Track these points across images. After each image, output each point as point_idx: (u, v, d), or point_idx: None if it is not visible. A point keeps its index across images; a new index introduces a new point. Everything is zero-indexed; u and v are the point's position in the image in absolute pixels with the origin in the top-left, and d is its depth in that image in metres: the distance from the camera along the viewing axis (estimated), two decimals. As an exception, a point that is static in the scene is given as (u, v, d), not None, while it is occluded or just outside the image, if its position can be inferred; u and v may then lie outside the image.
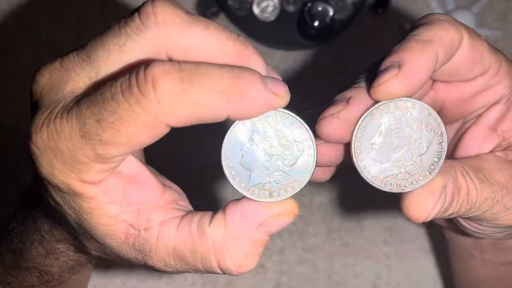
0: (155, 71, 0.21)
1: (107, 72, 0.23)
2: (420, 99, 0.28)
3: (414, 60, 0.25)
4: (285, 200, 0.25)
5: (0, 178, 0.55)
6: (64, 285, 0.37)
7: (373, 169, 0.26)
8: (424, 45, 0.25)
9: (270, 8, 0.55)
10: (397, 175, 0.26)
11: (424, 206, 0.26)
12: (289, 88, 0.24)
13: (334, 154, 0.29)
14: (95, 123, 0.22)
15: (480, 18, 0.56)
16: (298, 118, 0.25)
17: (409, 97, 0.25)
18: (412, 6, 0.57)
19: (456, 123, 0.32)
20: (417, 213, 0.26)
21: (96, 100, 0.22)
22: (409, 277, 0.53)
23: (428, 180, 0.26)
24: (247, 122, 0.24)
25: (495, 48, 0.29)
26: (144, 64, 0.21)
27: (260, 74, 0.23)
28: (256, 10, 0.54)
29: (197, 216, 0.25)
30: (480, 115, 0.30)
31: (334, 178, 0.55)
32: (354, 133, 0.26)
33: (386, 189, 0.26)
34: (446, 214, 0.27)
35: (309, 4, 0.52)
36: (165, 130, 0.22)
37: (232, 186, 0.25)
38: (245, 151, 0.25)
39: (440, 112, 0.31)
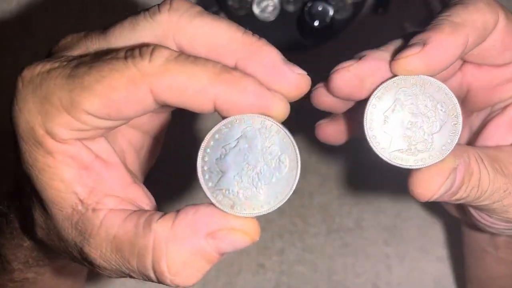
0: (160, 47, 0.22)
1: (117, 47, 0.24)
2: (447, 79, 0.28)
3: (440, 41, 0.24)
4: (246, 218, 0.22)
5: (1, 178, 0.55)
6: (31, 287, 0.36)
7: (383, 141, 0.25)
8: (456, 28, 0.24)
9: (270, 8, 0.55)
10: (406, 150, 0.26)
11: (430, 185, 0.25)
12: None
13: (337, 135, 0.29)
14: (87, 68, 0.22)
15: (480, 18, 0.56)
16: (281, 126, 0.23)
17: (431, 76, 0.25)
18: (413, 6, 0.57)
19: (483, 112, 0.31)
20: (422, 191, 0.25)
21: (98, 53, 0.23)
22: (409, 277, 0.53)
23: (438, 160, 0.25)
24: (237, 124, 0.23)
25: None
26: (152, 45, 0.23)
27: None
28: (256, 10, 0.54)
29: (150, 212, 0.23)
30: (506, 106, 0.29)
31: (334, 178, 0.55)
32: (369, 101, 0.25)
33: (394, 163, 0.26)
34: (454, 198, 0.27)
35: (309, 4, 0.52)
36: (146, 101, 0.22)
37: (199, 183, 0.23)
38: (226, 150, 0.23)
39: (466, 96, 0.30)
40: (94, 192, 0.24)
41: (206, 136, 0.23)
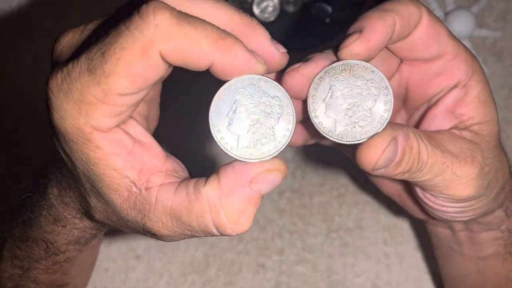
0: (157, 3, 0.23)
1: None
2: (389, 78, 0.32)
3: (372, 25, 0.28)
4: (274, 158, 0.27)
5: (0, 177, 0.55)
6: (69, 265, 0.38)
7: (329, 124, 0.29)
8: (383, 13, 0.28)
9: (270, 9, 0.55)
10: (351, 129, 0.28)
11: (373, 151, 0.28)
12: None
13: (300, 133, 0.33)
14: (100, 56, 0.23)
15: (480, 18, 0.57)
16: (273, 80, 0.27)
17: (366, 61, 0.29)
18: (412, 6, 0.57)
19: (421, 109, 0.34)
20: (366, 158, 0.28)
21: (102, 38, 0.24)
22: (409, 277, 0.53)
23: (380, 130, 0.28)
24: (230, 88, 0.26)
25: (456, 38, 0.31)
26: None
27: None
28: (256, 10, 0.54)
29: (194, 180, 0.27)
30: (440, 98, 0.33)
31: (334, 178, 0.55)
32: (308, 94, 0.29)
33: (343, 141, 0.29)
34: (398, 171, 0.30)
35: (309, 4, 0.52)
36: (159, 62, 0.24)
37: (222, 151, 0.26)
38: (230, 117, 0.27)
39: (406, 95, 0.34)
40: (143, 172, 0.26)
41: (210, 114, 0.26)
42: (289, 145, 0.28)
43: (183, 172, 0.28)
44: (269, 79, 0.27)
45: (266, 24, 0.55)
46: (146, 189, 0.26)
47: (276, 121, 0.27)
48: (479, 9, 0.57)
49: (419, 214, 0.39)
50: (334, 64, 0.28)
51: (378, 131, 0.28)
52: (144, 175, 0.26)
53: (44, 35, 0.56)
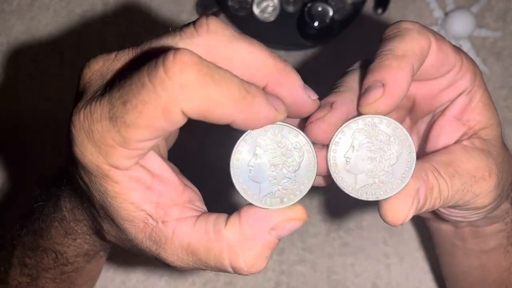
0: (185, 57, 0.23)
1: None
2: None
3: (394, 79, 0.27)
4: (295, 205, 0.27)
5: (2, 178, 0.55)
6: (77, 275, 0.38)
7: (349, 180, 0.28)
8: (401, 61, 0.28)
9: (270, 9, 0.55)
10: (371, 184, 0.28)
11: (400, 211, 0.28)
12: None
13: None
14: (121, 105, 0.23)
15: (480, 18, 0.57)
16: (294, 127, 0.27)
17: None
18: (412, 6, 0.57)
19: (427, 117, 0.34)
20: (394, 218, 0.28)
21: (125, 83, 0.23)
22: (409, 277, 0.53)
23: (401, 188, 0.28)
24: (249, 139, 0.26)
25: (456, 47, 0.31)
26: (173, 49, 0.23)
27: (264, 91, 0.25)
28: (256, 10, 0.54)
29: (213, 217, 0.27)
30: (446, 108, 0.33)
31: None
32: (329, 149, 0.28)
33: (363, 198, 0.28)
34: (422, 211, 0.30)
35: (309, 4, 0.52)
36: (180, 118, 0.24)
37: (245, 199, 0.27)
38: (251, 166, 0.27)
39: (412, 107, 0.34)
40: (160, 206, 0.27)
41: (230, 165, 0.27)
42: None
43: (199, 202, 0.29)
44: (290, 126, 0.27)
45: (266, 24, 0.55)
46: (163, 222, 0.26)
47: (297, 168, 0.27)
48: (479, 9, 0.57)
49: (423, 213, 0.39)
50: (357, 118, 0.28)
51: (401, 188, 0.28)
52: (161, 208, 0.27)
53: (45, 35, 0.56)
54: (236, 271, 0.27)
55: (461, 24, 0.55)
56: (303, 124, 0.29)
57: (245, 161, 0.27)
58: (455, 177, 0.30)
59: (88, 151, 0.25)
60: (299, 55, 0.56)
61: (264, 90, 0.26)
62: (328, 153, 0.28)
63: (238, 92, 0.24)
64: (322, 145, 0.29)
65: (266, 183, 0.27)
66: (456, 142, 0.33)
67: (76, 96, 0.27)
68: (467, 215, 0.35)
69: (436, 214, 0.37)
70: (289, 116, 0.27)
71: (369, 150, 0.28)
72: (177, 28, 0.26)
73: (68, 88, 0.56)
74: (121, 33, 0.56)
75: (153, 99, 0.23)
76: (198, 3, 0.56)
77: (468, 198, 0.31)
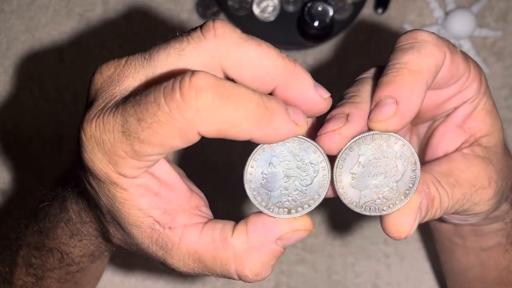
0: (201, 81, 0.23)
1: (163, 73, 0.25)
2: None
3: (409, 98, 0.27)
4: (302, 217, 0.27)
5: (1, 178, 0.55)
6: (81, 275, 0.39)
7: (354, 195, 0.28)
8: (416, 78, 0.27)
9: (270, 8, 0.55)
10: (375, 200, 0.28)
11: (403, 226, 0.28)
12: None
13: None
14: (136, 121, 0.23)
15: (480, 18, 0.57)
16: (313, 143, 0.27)
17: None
18: (412, 6, 0.57)
19: (428, 122, 0.35)
20: (398, 233, 0.28)
21: (140, 101, 0.23)
22: (409, 277, 0.53)
23: (404, 203, 0.28)
24: (267, 148, 0.26)
25: (465, 54, 0.30)
26: (190, 71, 0.23)
27: (285, 105, 0.25)
28: (256, 10, 0.54)
29: (220, 224, 0.27)
30: (448, 114, 0.33)
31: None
32: (336, 164, 0.28)
33: (366, 212, 0.28)
34: (423, 221, 0.30)
35: (309, 4, 0.52)
36: (195, 138, 0.24)
37: (254, 205, 0.27)
38: (265, 174, 0.27)
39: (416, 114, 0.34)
40: (167, 212, 0.27)
41: (245, 170, 0.27)
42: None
43: (205, 207, 0.29)
44: (310, 142, 0.27)
45: (266, 24, 0.55)
46: (170, 228, 0.27)
47: (310, 182, 0.27)
48: (479, 9, 0.57)
49: None
50: (365, 135, 0.27)
51: (403, 204, 0.28)
52: (168, 214, 0.27)
53: (45, 35, 0.56)
54: (241, 279, 0.27)
55: (461, 24, 0.55)
56: (313, 131, 0.29)
57: (260, 168, 0.27)
58: (455, 187, 0.30)
59: (98, 159, 0.25)
60: (299, 55, 0.56)
61: (274, 92, 0.26)
62: (335, 169, 0.28)
63: (257, 111, 0.23)
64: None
65: (277, 192, 0.27)
66: (457, 149, 0.32)
67: (87, 102, 0.27)
68: (466, 219, 0.35)
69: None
70: None
71: (375, 166, 0.28)
72: (185, 33, 0.25)
73: (68, 88, 0.56)
74: (121, 33, 0.56)
75: (170, 121, 0.23)
76: (198, 3, 0.56)
77: (467, 206, 0.31)
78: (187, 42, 0.25)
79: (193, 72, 0.23)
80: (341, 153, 0.27)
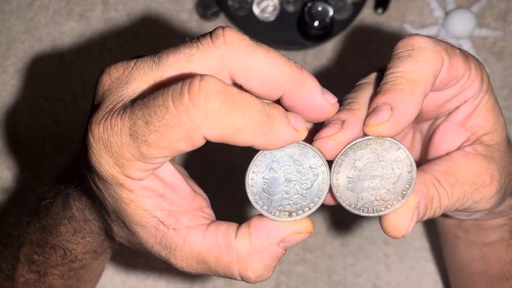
0: (209, 86, 0.23)
1: (171, 77, 0.26)
2: None
3: (405, 105, 0.27)
4: (303, 219, 0.28)
5: (1, 177, 0.55)
6: (84, 271, 0.39)
7: (351, 198, 0.29)
8: (414, 87, 0.27)
9: (270, 8, 0.55)
10: (373, 202, 0.29)
11: (401, 226, 0.29)
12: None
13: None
14: (144, 124, 0.24)
15: (480, 18, 0.57)
16: (313, 147, 0.27)
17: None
18: (412, 6, 0.57)
19: (429, 120, 0.35)
20: (396, 232, 0.29)
21: (148, 103, 0.24)
22: (409, 277, 0.53)
23: (401, 203, 0.29)
24: (267, 153, 0.27)
25: (465, 53, 0.31)
26: (198, 76, 0.23)
27: (285, 112, 0.26)
28: (256, 10, 0.54)
29: (223, 226, 0.28)
30: (450, 113, 0.33)
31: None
32: (332, 169, 0.28)
33: (364, 214, 0.29)
34: (423, 220, 0.30)
35: (309, 4, 0.52)
36: (201, 142, 0.24)
37: (256, 209, 0.28)
38: (266, 178, 0.28)
39: (417, 115, 0.34)
40: (172, 213, 0.27)
41: (246, 176, 0.27)
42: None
43: (208, 208, 0.29)
44: (310, 147, 0.27)
45: (266, 24, 0.55)
46: (174, 229, 0.27)
47: (310, 186, 0.28)
48: (479, 9, 0.57)
49: None
50: (360, 140, 0.28)
51: (400, 205, 0.29)
52: (172, 216, 0.27)
53: (45, 35, 0.56)
54: (244, 280, 0.28)
55: (461, 24, 0.55)
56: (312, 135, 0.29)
57: (261, 174, 0.27)
58: (455, 186, 0.31)
59: (105, 161, 0.25)
60: (299, 55, 0.56)
61: (282, 98, 0.27)
62: (331, 174, 0.28)
63: (259, 118, 0.24)
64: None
65: (278, 196, 0.28)
66: (459, 147, 0.33)
67: (93, 103, 0.27)
68: (469, 215, 0.35)
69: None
70: (309, 121, 0.28)
71: (371, 170, 0.29)
72: (194, 38, 0.26)
73: (68, 88, 0.56)
74: (121, 33, 0.56)
75: (177, 124, 0.23)
76: (198, 3, 0.56)
77: (469, 204, 0.31)
78: (197, 48, 0.25)
79: (202, 76, 0.23)
80: (336, 158, 0.28)
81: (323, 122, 0.29)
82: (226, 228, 0.28)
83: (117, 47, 0.56)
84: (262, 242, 0.27)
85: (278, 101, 0.27)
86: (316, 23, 0.52)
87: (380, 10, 0.56)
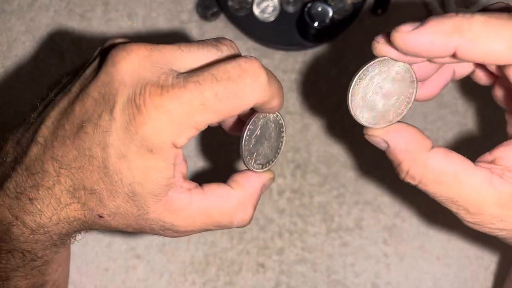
0: (259, 64, 0.29)
1: (201, 61, 0.30)
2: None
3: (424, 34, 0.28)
4: (269, 170, 0.36)
5: None
6: (47, 266, 0.37)
7: (366, 115, 0.32)
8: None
9: (270, 9, 0.55)
10: (382, 117, 0.32)
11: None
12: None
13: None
14: (213, 96, 0.28)
15: (480, 18, 0.57)
16: (276, 117, 0.35)
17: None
18: (412, 6, 0.57)
19: None
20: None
21: (215, 78, 0.28)
22: (409, 277, 0.53)
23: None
24: (257, 121, 0.34)
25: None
26: (248, 56, 0.29)
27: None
28: (256, 10, 0.55)
29: (215, 185, 0.33)
30: None
31: (334, 178, 0.55)
32: (349, 91, 0.31)
33: (379, 126, 0.32)
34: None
35: (309, 5, 0.52)
36: (248, 108, 0.30)
37: (245, 164, 0.34)
38: (254, 139, 0.34)
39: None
40: (182, 178, 0.31)
41: (242, 135, 0.33)
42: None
43: (186, 171, 0.33)
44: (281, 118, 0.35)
45: (266, 24, 0.55)
46: (181, 192, 0.31)
47: (272, 140, 0.35)
48: (478, 9, 0.57)
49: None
50: (382, 60, 0.31)
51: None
52: (181, 180, 0.31)
53: (45, 35, 0.56)
54: (239, 226, 0.33)
55: (461, 24, 0.55)
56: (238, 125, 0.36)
57: (252, 135, 0.34)
58: None
59: (164, 129, 0.28)
60: (299, 55, 0.56)
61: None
62: (348, 96, 0.31)
63: (278, 88, 0.31)
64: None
65: (258, 154, 0.34)
66: None
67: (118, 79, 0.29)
68: None
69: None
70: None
71: (380, 92, 0.31)
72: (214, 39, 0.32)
73: (69, 88, 0.56)
74: (121, 33, 0.56)
75: (242, 95, 0.29)
76: (198, 3, 0.56)
77: None
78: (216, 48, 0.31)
79: (249, 56, 0.29)
80: (353, 81, 0.31)
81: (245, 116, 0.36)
82: (219, 185, 0.33)
83: (117, 47, 0.56)
84: (252, 188, 0.33)
85: None
86: (316, 24, 0.53)
87: (380, 10, 0.56)
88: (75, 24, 0.56)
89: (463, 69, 0.34)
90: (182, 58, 0.30)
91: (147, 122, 0.28)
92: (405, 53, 0.29)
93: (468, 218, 0.30)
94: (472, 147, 0.54)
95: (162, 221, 0.31)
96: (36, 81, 0.56)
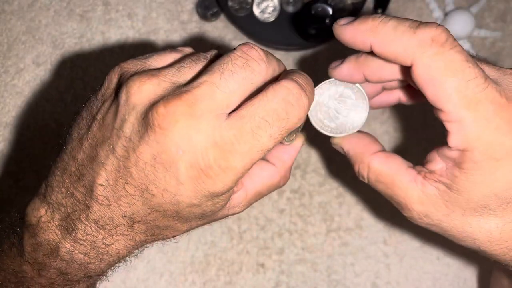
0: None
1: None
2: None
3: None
4: (300, 136, 0.39)
5: (1, 178, 0.55)
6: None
7: (331, 126, 0.36)
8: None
9: (270, 9, 0.55)
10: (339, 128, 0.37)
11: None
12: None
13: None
14: (268, 139, 0.30)
15: (479, 18, 0.57)
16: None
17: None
18: (412, 7, 0.57)
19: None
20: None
21: (267, 122, 0.30)
22: (409, 277, 0.53)
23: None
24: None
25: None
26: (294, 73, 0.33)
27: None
28: (256, 10, 0.55)
29: (259, 167, 0.36)
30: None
31: (334, 178, 0.55)
32: (311, 108, 0.35)
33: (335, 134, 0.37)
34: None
35: (309, 5, 0.53)
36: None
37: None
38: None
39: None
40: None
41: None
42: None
43: None
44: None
45: (266, 24, 0.55)
46: (237, 191, 0.34)
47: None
48: (478, 10, 0.57)
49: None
50: (328, 81, 0.38)
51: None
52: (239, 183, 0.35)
53: (46, 35, 0.56)
54: (279, 188, 0.37)
55: (460, 24, 0.55)
56: None
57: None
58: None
59: (232, 182, 0.30)
60: (299, 55, 0.56)
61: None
62: (309, 114, 0.36)
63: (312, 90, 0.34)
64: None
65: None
66: None
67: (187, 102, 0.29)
68: None
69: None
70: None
71: (335, 107, 0.36)
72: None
73: (69, 88, 0.56)
74: (121, 33, 0.56)
75: (298, 122, 0.31)
76: (198, 3, 0.56)
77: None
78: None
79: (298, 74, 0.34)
80: (318, 88, 0.36)
81: None
82: (261, 167, 0.36)
83: (117, 48, 0.56)
84: (289, 159, 0.37)
85: None
86: (316, 24, 0.53)
87: (380, 10, 0.56)
88: (75, 24, 0.57)
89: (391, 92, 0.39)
90: (221, 95, 0.30)
91: (217, 183, 0.29)
92: (344, 42, 0.34)
93: (404, 214, 0.34)
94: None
95: (226, 215, 0.34)
96: (37, 82, 0.56)
